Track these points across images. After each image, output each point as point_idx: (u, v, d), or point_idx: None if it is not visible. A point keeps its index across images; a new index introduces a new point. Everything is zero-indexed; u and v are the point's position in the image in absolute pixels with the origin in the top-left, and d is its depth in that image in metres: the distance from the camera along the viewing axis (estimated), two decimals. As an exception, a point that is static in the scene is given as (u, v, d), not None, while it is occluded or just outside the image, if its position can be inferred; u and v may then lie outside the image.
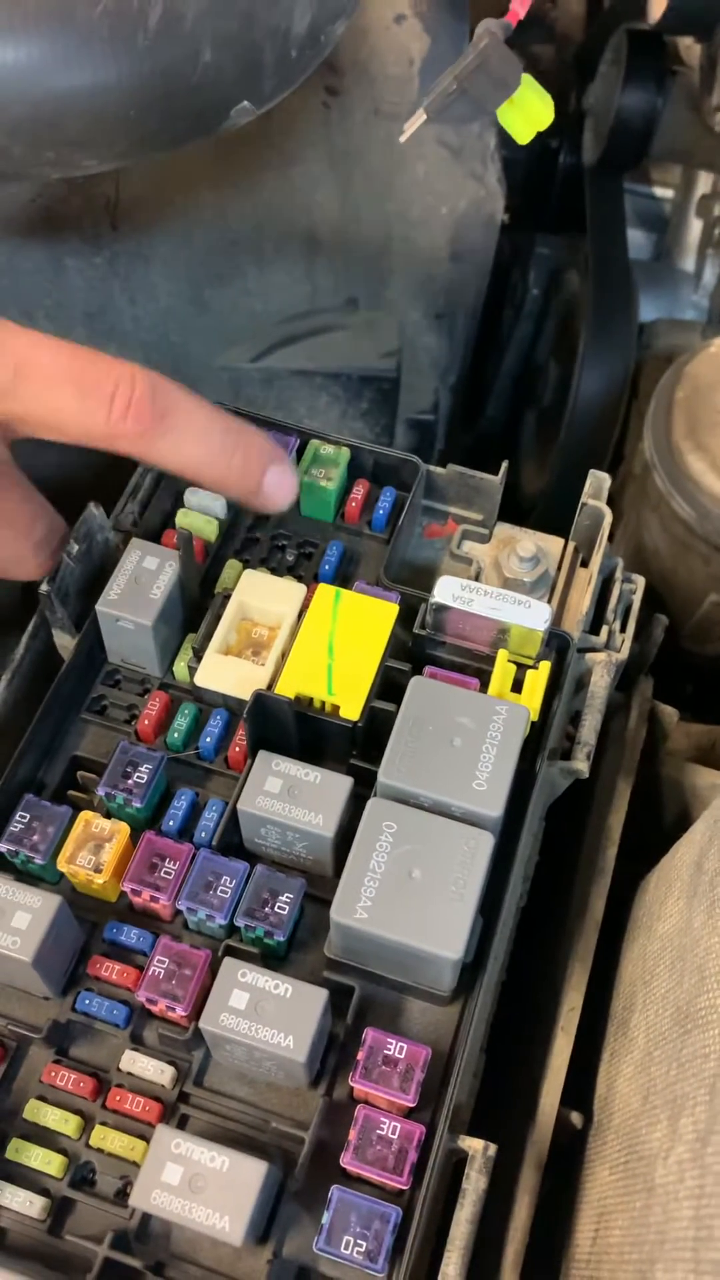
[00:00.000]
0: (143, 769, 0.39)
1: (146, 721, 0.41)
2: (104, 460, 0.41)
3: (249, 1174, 0.32)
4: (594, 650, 0.43)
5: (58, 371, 0.38)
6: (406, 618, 0.41)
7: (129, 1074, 0.36)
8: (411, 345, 0.67)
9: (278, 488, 0.41)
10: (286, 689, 0.39)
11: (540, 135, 0.82)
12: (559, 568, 0.45)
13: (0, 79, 0.38)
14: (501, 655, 0.40)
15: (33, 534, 0.41)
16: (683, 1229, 0.28)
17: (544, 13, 0.87)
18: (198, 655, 0.41)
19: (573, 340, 0.71)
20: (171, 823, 0.39)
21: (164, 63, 0.39)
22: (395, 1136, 0.34)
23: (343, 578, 0.44)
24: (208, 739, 0.40)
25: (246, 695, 0.38)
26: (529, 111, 0.43)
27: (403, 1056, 0.35)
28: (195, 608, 0.43)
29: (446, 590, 0.40)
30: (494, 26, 0.42)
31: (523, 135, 0.44)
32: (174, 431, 0.38)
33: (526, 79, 0.43)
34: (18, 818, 0.38)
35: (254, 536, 0.45)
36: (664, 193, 0.81)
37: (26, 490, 0.41)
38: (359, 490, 0.45)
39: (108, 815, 0.39)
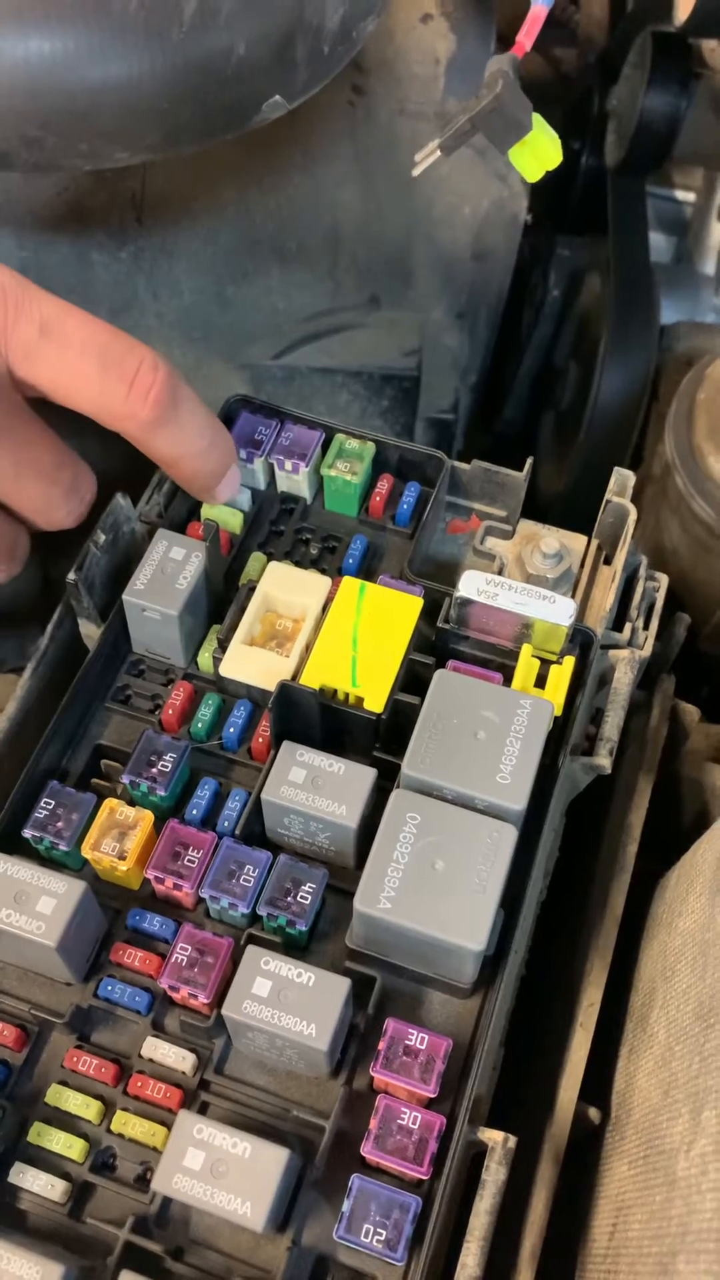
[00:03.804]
0: (167, 758, 0.39)
1: (170, 711, 0.41)
2: (129, 452, 0.41)
3: (271, 1160, 0.32)
4: (617, 647, 0.43)
5: (84, 341, 0.38)
6: (430, 612, 0.41)
7: (150, 1060, 0.36)
8: (433, 344, 0.67)
9: (230, 487, 0.43)
10: (310, 680, 0.39)
11: (563, 138, 0.82)
12: (582, 565, 0.45)
13: (35, 70, 0.38)
14: (525, 650, 0.40)
15: (60, 481, 0.41)
16: (706, 1221, 0.28)
17: (566, 16, 0.87)
18: (222, 646, 0.41)
19: (592, 342, 0.71)
20: (195, 811, 0.39)
21: (198, 55, 0.39)
22: (416, 1127, 0.34)
23: (366, 571, 0.45)
24: (231, 729, 0.40)
25: (270, 686, 0.38)
26: (539, 151, 0.43)
27: (424, 1047, 0.35)
28: (219, 599, 0.43)
29: (471, 584, 0.40)
30: (504, 64, 0.41)
31: (532, 174, 0.44)
32: (178, 424, 0.40)
33: (537, 119, 0.43)
34: (42, 804, 0.38)
35: (278, 530, 0.45)
36: (686, 196, 0.81)
37: (50, 438, 0.41)
38: (383, 485, 0.46)
39: (131, 803, 0.39)
